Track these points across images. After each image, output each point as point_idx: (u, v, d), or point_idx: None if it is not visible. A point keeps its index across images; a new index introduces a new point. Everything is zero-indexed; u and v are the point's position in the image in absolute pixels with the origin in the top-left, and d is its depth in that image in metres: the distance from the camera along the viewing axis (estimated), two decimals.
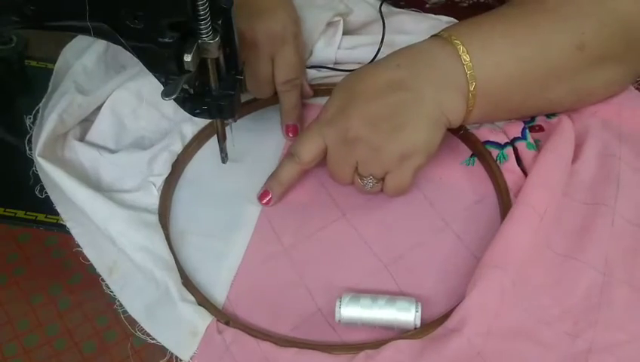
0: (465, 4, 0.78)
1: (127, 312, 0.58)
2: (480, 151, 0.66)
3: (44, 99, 0.71)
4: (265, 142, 0.70)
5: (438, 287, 0.58)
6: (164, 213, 0.64)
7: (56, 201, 0.65)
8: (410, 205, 0.64)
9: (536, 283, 0.57)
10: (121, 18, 0.50)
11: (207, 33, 0.51)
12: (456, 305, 0.55)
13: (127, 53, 0.53)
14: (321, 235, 0.63)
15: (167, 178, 0.66)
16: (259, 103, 0.71)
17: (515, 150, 0.64)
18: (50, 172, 0.64)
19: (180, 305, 0.56)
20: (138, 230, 0.60)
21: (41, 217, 0.72)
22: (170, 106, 0.70)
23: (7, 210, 0.73)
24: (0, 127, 0.79)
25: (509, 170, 0.63)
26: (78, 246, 0.62)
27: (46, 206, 0.65)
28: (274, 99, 0.69)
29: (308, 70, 0.73)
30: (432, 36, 0.63)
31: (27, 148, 0.69)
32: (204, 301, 0.58)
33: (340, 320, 0.56)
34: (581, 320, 0.55)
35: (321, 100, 0.72)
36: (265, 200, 0.64)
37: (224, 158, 0.65)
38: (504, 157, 0.64)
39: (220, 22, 0.53)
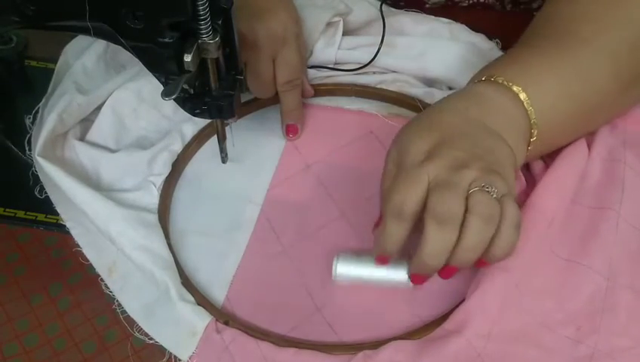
0: (464, 5, 0.78)
1: (126, 313, 0.58)
2: None
3: (44, 99, 0.71)
4: (265, 142, 0.70)
5: (438, 287, 0.58)
6: (163, 213, 0.64)
7: (56, 201, 0.65)
8: None
9: (540, 286, 0.57)
10: (121, 18, 0.50)
11: (207, 33, 0.52)
12: (456, 306, 0.55)
13: (127, 53, 0.53)
14: (321, 235, 0.63)
15: (167, 178, 0.66)
16: (259, 103, 0.71)
17: None
18: (49, 172, 0.64)
19: (179, 305, 0.57)
20: (138, 229, 0.61)
21: (40, 217, 0.72)
22: (170, 106, 0.70)
23: (7, 210, 0.73)
24: (0, 127, 0.79)
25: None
26: (78, 246, 0.62)
27: (46, 206, 0.66)
28: (274, 99, 0.69)
29: (308, 70, 0.73)
30: (482, 80, 0.59)
31: (27, 148, 0.69)
32: (203, 301, 0.58)
33: (335, 278, 0.57)
34: (584, 325, 0.55)
35: (321, 100, 0.72)
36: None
37: (224, 158, 0.65)
38: None
39: (220, 22, 0.53)
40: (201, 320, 0.56)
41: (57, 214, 0.65)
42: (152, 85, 0.68)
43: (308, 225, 0.63)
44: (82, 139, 0.69)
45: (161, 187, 0.65)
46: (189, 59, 0.52)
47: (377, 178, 0.57)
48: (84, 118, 0.70)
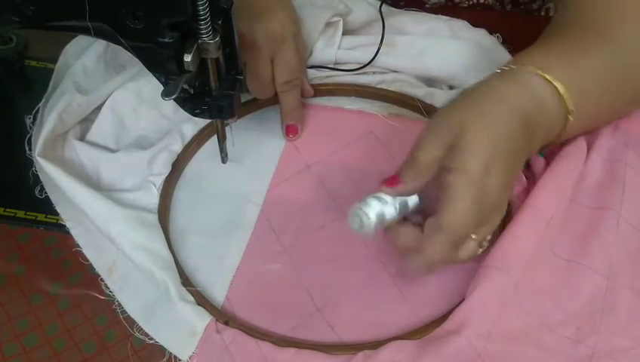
0: (464, 5, 0.78)
1: (126, 313, 0.58)
2: None
3: (44, 99, 0.71)
4: (265, 142, 0.70)
5: (438, 287, 0.58)
6: (163, 213, 0.64)
7: (56, 201, 0.65)
8: None
9: (540, 287, 0.57)
10: (121, 18, 0.50)
11: (207, 33, 0.52)
12: (456, 306, 0.55)
13: (127, 53, 0.53)
14: (321, 235, 0.63)
15: (167, 177, 0.66)
16: (259, 103, 0.71)
17: None
18: (49, 172, 0.64)
19: (179, 305, 0.57)
20: (138, 229, 0.61)
21: (40, 217, 0.72)
22: (170, 106, 0.70)
23: (7, 210, 0.73)
24: (0, 127, 0.79)
25: None
26: (78, 246, 0.62)
27: (46, 206, 0.66)
28: (274, 99, 0.69)
29: (308, 70, 0.73)
30: (529, 72, 0.57)
31: (27, 148, 0.69)
32: (203, 301, 0.58)
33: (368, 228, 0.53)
34: (584, 326, 0.55)
35: (321, 100, 0.72)
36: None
37: (224, 158, 0.65)
38: None
39: (220, 22, 0.53)
40: (201, 320, 0.56)
41: (57, 214, 0.65)
42: (152, 85, 0.68)
43: (308, 226, 0.63)
44: (82, 139, 0.69)
45: (161, 187, 0.65)
46: (189, 59, 0.52)
47: (377, 178, 0.57)
48: (84, 118, 0.70)
